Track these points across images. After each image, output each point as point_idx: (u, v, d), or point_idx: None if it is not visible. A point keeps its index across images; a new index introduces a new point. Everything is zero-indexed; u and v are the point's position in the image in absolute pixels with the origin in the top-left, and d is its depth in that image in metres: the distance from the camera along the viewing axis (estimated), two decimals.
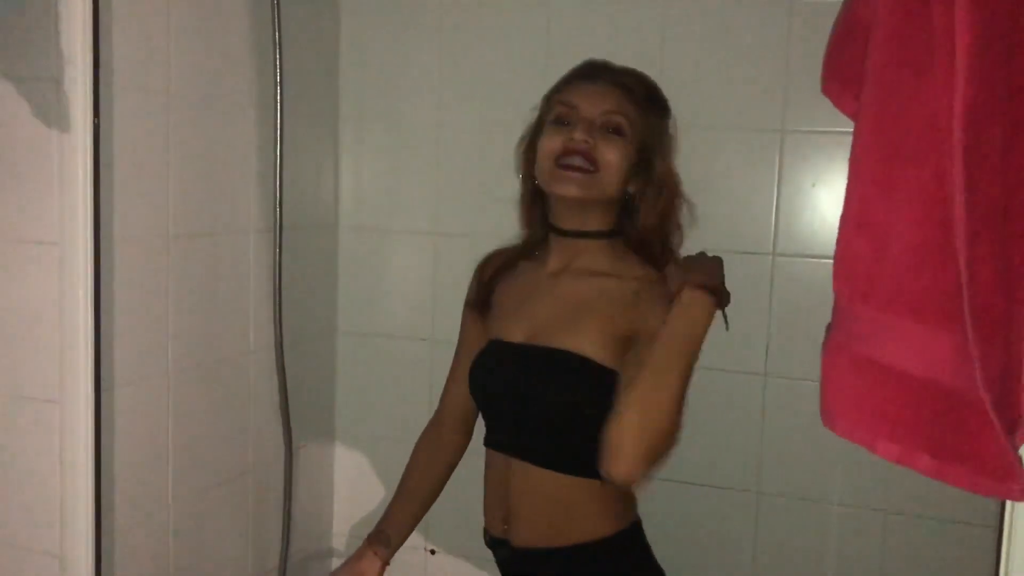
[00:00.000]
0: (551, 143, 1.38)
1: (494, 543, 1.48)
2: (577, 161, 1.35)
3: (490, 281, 1.53)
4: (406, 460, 1.95)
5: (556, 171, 1.37)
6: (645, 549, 1.44)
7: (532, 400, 1.37)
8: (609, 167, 1.36)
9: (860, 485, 1.68)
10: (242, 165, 1.64)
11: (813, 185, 1.66)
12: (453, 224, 1.91)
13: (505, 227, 1.86)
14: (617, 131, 1.37)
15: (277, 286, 1.68)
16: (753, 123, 1.68)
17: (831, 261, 1.64)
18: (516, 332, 1.43)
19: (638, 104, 1.40)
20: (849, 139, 1.65)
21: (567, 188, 1.36)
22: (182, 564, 1.56)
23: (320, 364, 1.97)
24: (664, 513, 1.78)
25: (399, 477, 1.96)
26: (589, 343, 1.34)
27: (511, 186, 1.84)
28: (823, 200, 1.66)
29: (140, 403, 1.43)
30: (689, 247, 1.49)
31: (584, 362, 1.33)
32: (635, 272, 1.40)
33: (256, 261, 1.69)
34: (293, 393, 1.82)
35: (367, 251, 1.98)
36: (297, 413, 1.85)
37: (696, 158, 1.60)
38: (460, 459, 1.62)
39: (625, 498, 1.42)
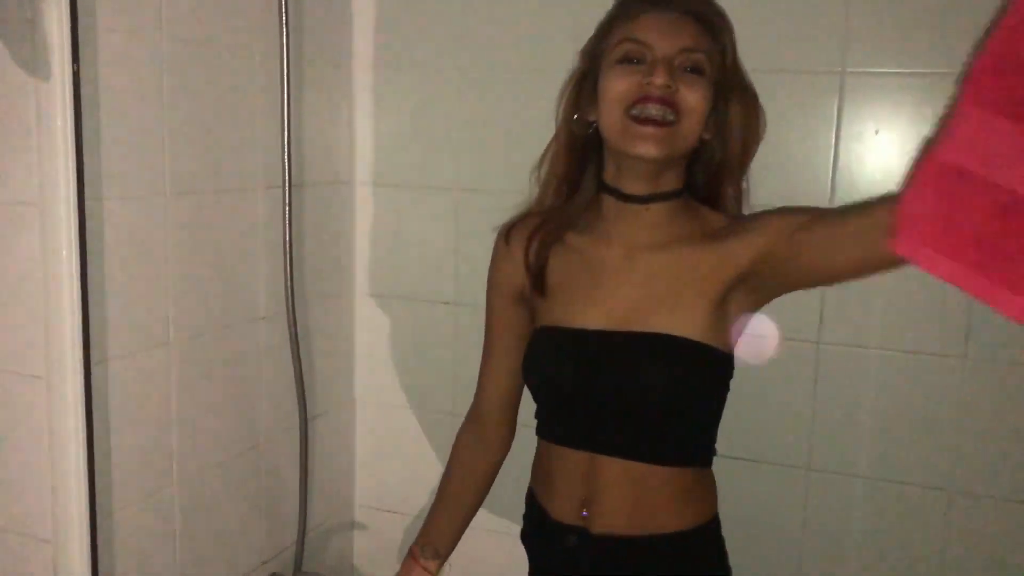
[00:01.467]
0: (621, 85, 1.17)
1: (561, 530, 1.30)
2: (654, 111, 1.14)
3: (539, 257, 1.33)
4: (430, 430, 1.86)
5: (629, 124, 1.16)
6: (721, 544, 1.32)
7: (634, 392, 1.20)
8: (692, 115, 1.16)
9: (914, 461, 1.54)
10: (247, 116, 1.51)
11: (876, 132, 1.49)
12: (477, 179, 1.77)
13: (527, 182, 1.72)
14: (696, 70, 1.17)
15: (287, 247, 1.56)
16: (809, 64, 1.51)
17: None
18: (590, 318, 1.25)
19: (713, 34, 1.22)
20: (916, 81, 1.49)
21: (645, 148, 1.15)
22: (190, 544, 1.47)
23: (337, 329, 1.86)
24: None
25: (422, 446, 1.87)
26: (692, 324, 1.19)
27: (539, 137, 1.70)
28: (887, 149, 1.49)
29: (138, 376, 1.33)
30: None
31: (692, 345, 1.18)
32: (713, 224, 1.26)
33: (265, 220, 1.57)
34: (309, 360, 1.72)
35: (386, 208, 1.85)
36: (314, 381, 1.75)
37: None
38: (507, 454, 1.47)
39: (710, 488, 1.31)
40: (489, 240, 1.76)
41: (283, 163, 1.54)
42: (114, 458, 1.29)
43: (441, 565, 1.44)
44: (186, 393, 1.43)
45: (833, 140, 1.51)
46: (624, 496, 1.24)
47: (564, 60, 1.63)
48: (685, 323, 1.18)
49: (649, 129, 1.14)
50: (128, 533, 1.33)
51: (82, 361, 1.19)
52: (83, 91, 1.17)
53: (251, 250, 1.55)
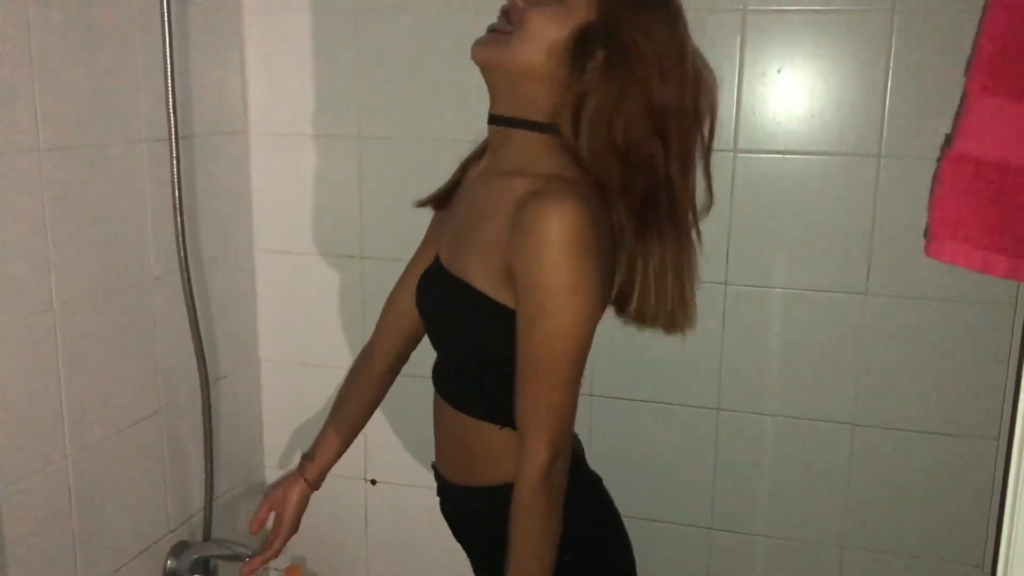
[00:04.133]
0: None
1: (434, 470, 1.34)
2: (497, 22, 1.12)
3: (453, 182, 1.28)
4: (338, 386, 1.81)
5: None
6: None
7: (438, 335, 1.23)
8: (522, 30, 1.07)
9: (819, 397, 1.58)
10: (126, 62, 1.41)
11: (779, 71, 1.49)
12: (378, 126, 1.70)
13: (436, 128, 1.68)
14: None
15: (177, 202, 1.48)
16: (711, 2, 1.49)
17: (798, 157, 1.52)
18: (444, 249, 1.23)
19: None
20: (817, 18, 1.49)
21: (472, 51, 1.12)
22: (87, 518, 1.40)
23: (237, 287, 1.78)
24: (624, 431, 1.67)
25: (331, 404, 1.82)
26: (474, 269, 1.12)
27: (441, 81, 1.65)
28: (789, 87, 1.49)
29: (18, 345, 1.24)
30: None
31: (475, 296, 1.11)
32: (541, 168, 1.10)
33: (152, 175, 1.48)
34: (208, 321, 1.65)
35: (283, 159, 1.77)
36: (215, 343, 1.68)
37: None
38: (392, 378, 1.43)
39: None
40: (395, 189, 1.72)
41: (168, 113, 1.45)
42: None
43: (318, 473, 1.42)
44: (74, 361, 1.34)
45: (736, 80, 1.50)
46: (449, 443, 1.25)
47: None
48: (471, 270, 1.12)
49: (483, 35, 1.12)
50: (17, 509, 1.26)
51: None
52: None
53: (138, 207, 1.46)
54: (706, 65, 1.13)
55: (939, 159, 1.28)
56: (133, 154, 1.44)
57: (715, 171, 1.50)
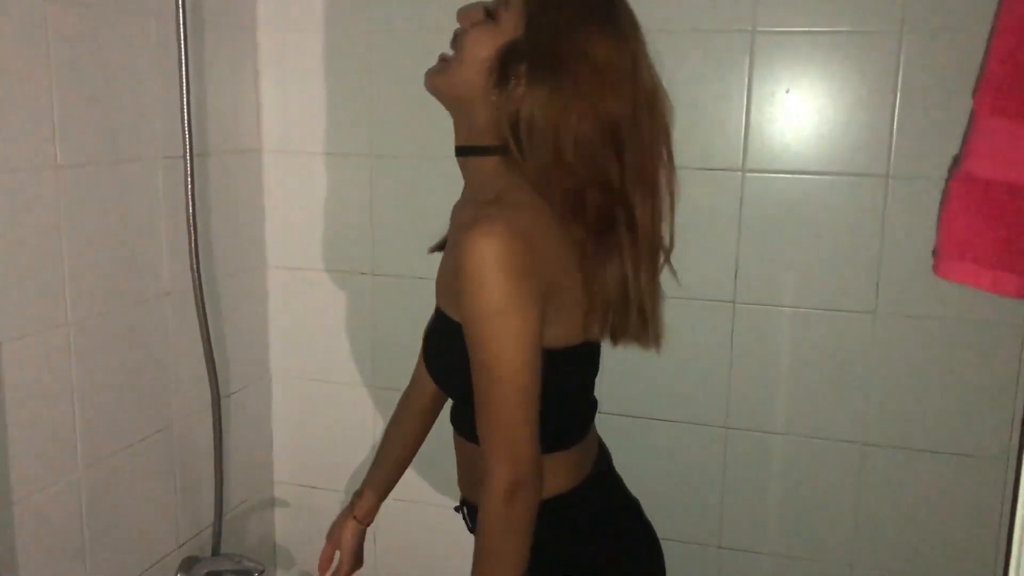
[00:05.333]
0: None
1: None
2: (450, 48, 1.17)
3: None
4: (350, 402, 1.83)
5: None
6: (550, 533, 1.14)
7: (429, 364, 1.27)
8: (459, 54, 1.12)
9: (827, 416, 1.58)
10: (143, 81, 1.43)
11: (788, 91, 1.50)
12: (390, 145, 1.72)
13: (447, 147, 1.69)
14: (489, 15, 1.12)
15: (191, 219, 1.49)
16: (720, 23, 1.51)
17: (807, 177, 1.52)
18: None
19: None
20: (826, 39, 1.51)
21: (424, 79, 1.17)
22: (99, 531, 1.41)
23: (250, 303, 1.80)
24: (632, 449, 1.67)
25: (341, 420, 1.85)
26: (447, 300, 1.16)
27: None
28: (798, 108, 1.50)
29: (34, 358, 1.26)
30: None
31: (452, 326, 1.12)
32: (486, 194, 1.12)
33: (166, 192, 1.50)
34: (220, 336, 1.66)
35: (296, 177, 1.79)
36: (226, 358, 1.70)
37: (655, 64, 1.42)
38: (434, 413, 1.45)
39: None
40: (406, 207, 1.73)
41: (183, 131, 1.46)
42: (11, 445, 1.22)
43: (368, 507, 1.44)
44: (88, 374, 1.36)
45: (745, 100, 1.51)
46: (460, 463, 1.28)
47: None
48: (449, 302, 1.15)
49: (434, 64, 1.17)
50: (30, 522, 1.27)
51: None
52: None
53: (153, 223, 1.48)
54: (661, 85, 1.14)
55: (948, 179, 1.29)
56: (148, 171, 1.46)
57: (724, 191, 1.53)
